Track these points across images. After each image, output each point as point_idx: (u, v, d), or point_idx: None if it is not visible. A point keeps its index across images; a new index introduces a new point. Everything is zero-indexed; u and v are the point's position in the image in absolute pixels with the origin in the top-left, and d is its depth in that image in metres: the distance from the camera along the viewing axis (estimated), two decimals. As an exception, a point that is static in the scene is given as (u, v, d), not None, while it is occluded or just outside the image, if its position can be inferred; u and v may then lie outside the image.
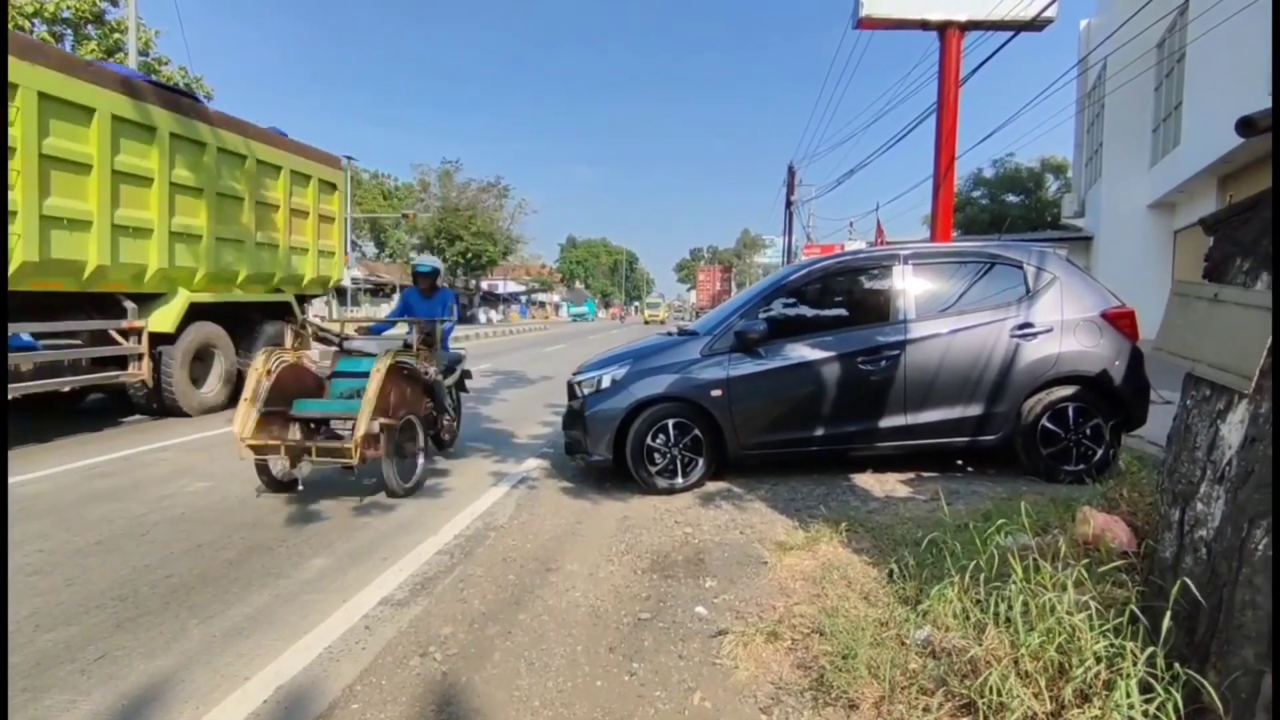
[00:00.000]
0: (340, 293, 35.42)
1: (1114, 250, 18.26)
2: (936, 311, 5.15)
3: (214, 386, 8.70)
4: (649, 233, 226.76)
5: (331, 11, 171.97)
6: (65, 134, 6.53)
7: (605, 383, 5.21)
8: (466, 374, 6.76)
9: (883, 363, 5.02)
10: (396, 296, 6.83)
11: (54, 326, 6.90)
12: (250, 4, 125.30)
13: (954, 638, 2.37)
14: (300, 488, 4.99)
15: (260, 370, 4.72)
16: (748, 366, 5.05)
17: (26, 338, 6.85)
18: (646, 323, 52.54)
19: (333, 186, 10.89)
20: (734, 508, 4.62)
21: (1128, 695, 1.86)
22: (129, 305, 7.61)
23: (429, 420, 5.70)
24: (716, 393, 5.00)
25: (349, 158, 38.80)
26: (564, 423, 5.58)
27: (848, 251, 10.29)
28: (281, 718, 2.37)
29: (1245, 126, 2.09)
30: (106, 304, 7.47)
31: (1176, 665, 1.88)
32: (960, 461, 5.60)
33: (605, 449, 5.06)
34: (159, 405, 8.13)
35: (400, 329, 5.63)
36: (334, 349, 5.80)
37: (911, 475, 5.26)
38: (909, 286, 5.20)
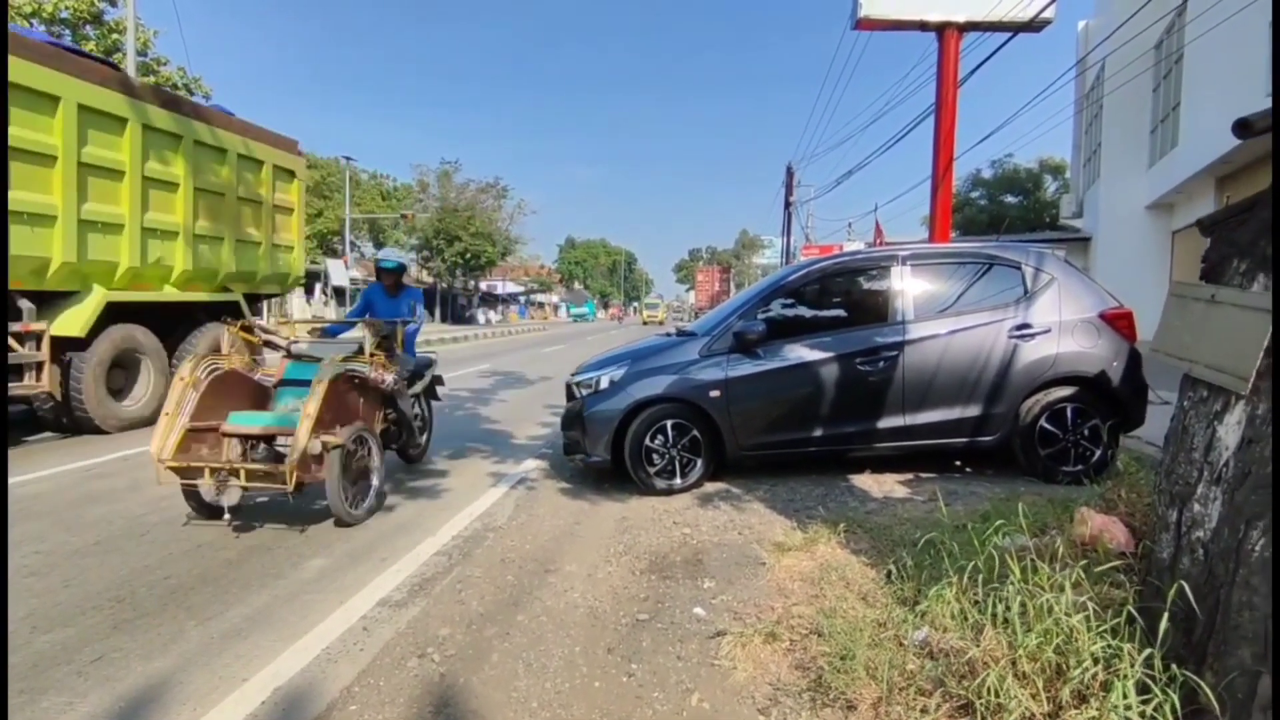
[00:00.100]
0: (339, 293, 35.44)
1: (1112, 251, 18.28)
2: (935, 312, 5.16)
3: (140, 398, 7.58)
4: (648, 233, 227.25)
5: (331, 11, 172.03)
6: None
7: (604, 384, 5.22)
8: (438, 380, 6.28)
9: (881, 363, 5.02)
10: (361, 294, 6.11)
11: None
12: (249, 4, 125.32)
13: (952, 638, 2.37)
14: (227, 517, 4.19)
15: (186, 380, 4.19)
16: (746, 367, 5.05)
17: None
18: (645, 323, 52.53)
19: (290, 174, 9.74)
20: (732, 508, 4.62)
21: (1125, 696, 1.86)
22: (25, 305, 6.56)
23: (389, 434, 5.19)
24: (715, 393, 5.00)
25: (347, 158, 38.90)
26: (562, 423, 5.58)
27: (846, 252, 10.30)
28: (279, 719, 2.37)
29: (1242, 128, 2.09)
30: None
31: (1174, 666, 1.88)
32: (959, 462, 5.60)
33: (604, 450, 5.06)
34: (69, 421, 7.02)
35: (360, 331, 5.10)
36: (282, 354, 5.06)
37: (910, 476, 5.26)
38: (907, 287, 5.20)
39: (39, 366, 6.63)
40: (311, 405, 3.99)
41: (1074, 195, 23.94)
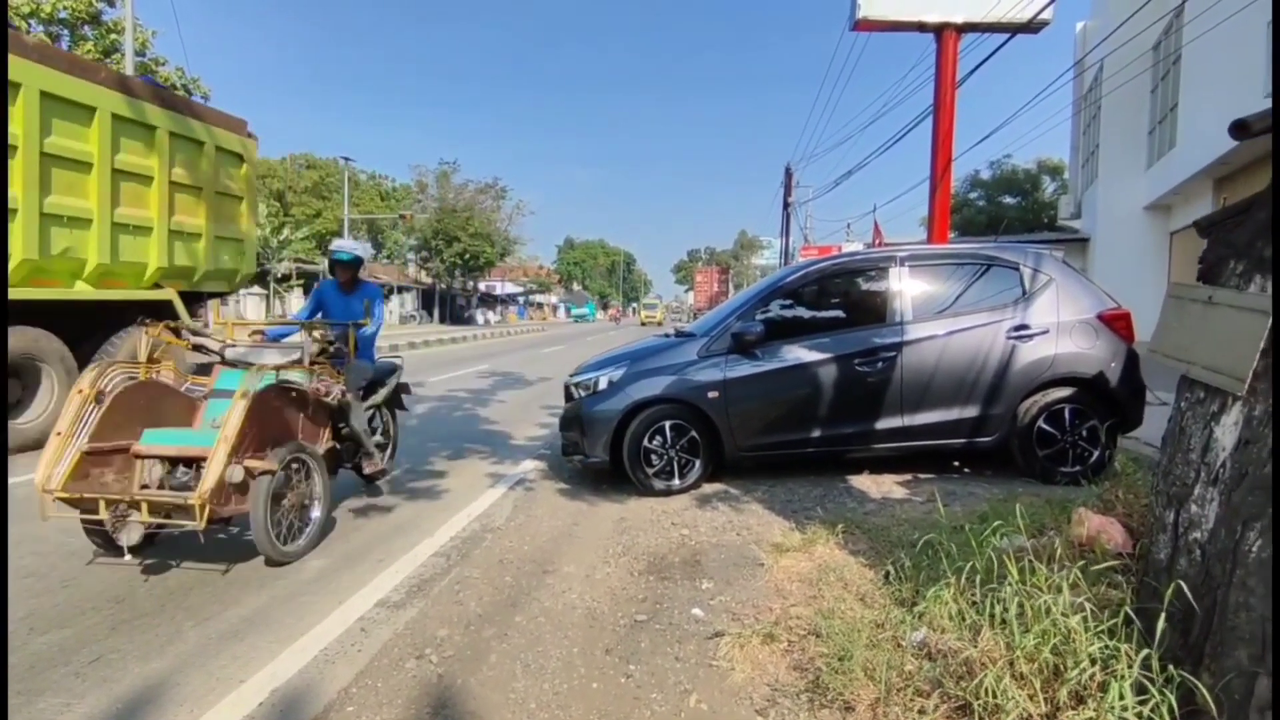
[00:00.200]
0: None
1: (1110, 252, 18.31)
2: (933, 313, 5.16)
3: (41, 412, 6.52)
4: (647, 234, 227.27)
5: (330, 11, 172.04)
6: None
7: (602, 384, 5.22)
8: (403, 388, 5.57)
9: (879, 364, 5.03)
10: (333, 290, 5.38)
11: None
12: (248, 4, 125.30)
13: (950, 639, 2.37)
14: (127, 556, 3.49)
15: (86, 393, 3.50)
16: (745, 368, 5.05)
17: None
18: (643, 324, 52.53)
19: (238, 158, 8.52)
20: (731, 509, 4.62)
21: (1122, 697, 1.86)
22: None
23: (339, 454, 4.54)
24: (713, 394, 5.00)
25: (346, 159, 38.92)
26: (561, 424, 5.58)
27: (845, 253, 10.31)
28: (277, 720, 2.36)
29: (1239, 130, 2.10)
30: None
31: (1171, 667, 1.88)
32: (957, 463, 5.60)
33: (602, 450, 5.06)
34: None
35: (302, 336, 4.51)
36: (218, 360, 4.33)
37: (908, 477, 5.26)
38: (905, 288, 5.21)
39: None
40: (230, 424, 3.41)
41: (1072, 196, 23.98)
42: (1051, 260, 5.35)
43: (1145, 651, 1.94)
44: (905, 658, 2.40)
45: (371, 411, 5.14)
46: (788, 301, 5.39)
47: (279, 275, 32.50)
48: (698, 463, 5.06)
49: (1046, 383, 5.01)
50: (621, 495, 5.01)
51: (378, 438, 5.18)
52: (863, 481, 5.20)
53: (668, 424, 5.01)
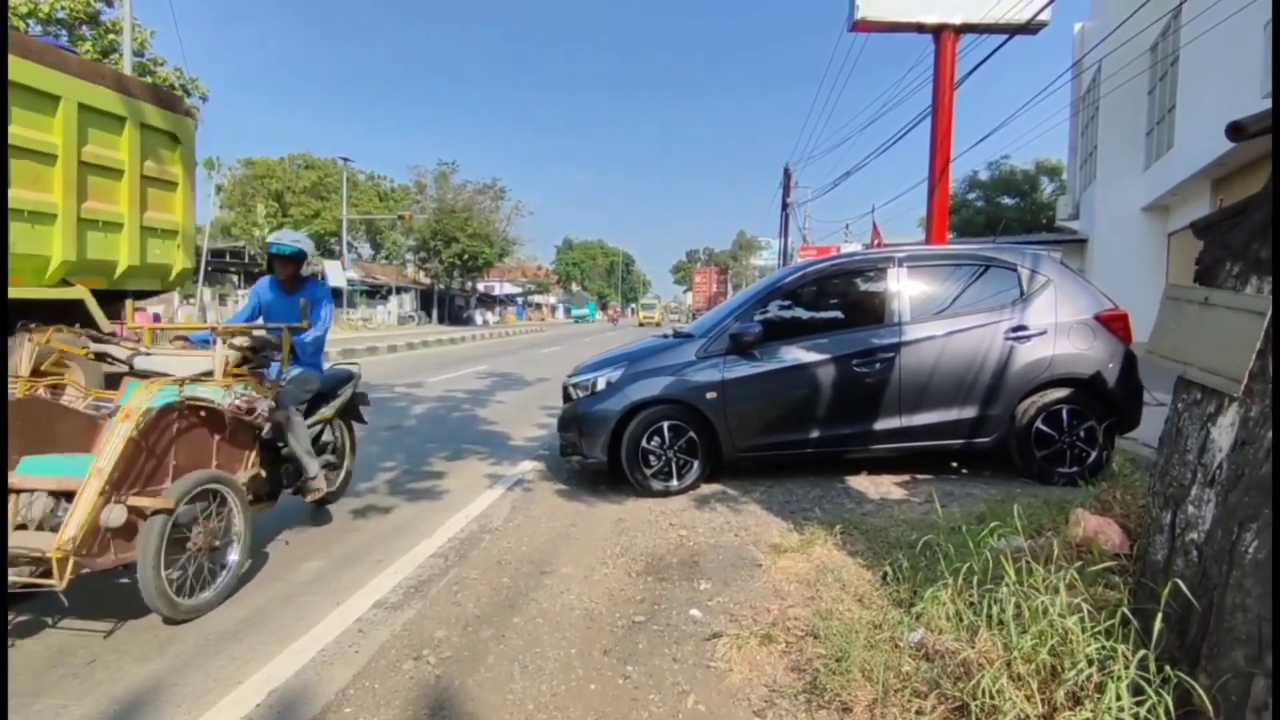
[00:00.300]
0: (336, 295, 35.40)
1: (1108, 253, 18.33)
2: (931, 314, 5.17)
3: None
4: (646, 235, 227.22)
5: (329, 12, 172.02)
6: None
7: (600, 385, 5.22)
8: (360, 399, 4.94)
9: (877, 365, 5.03)
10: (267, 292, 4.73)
11: None
12: (248, 4, 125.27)
13: (947, 640, 2.38)
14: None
15: None
16: (743, 369, 5.06)
17: None
18: (641, 324, 52.55)
19: (173, 139, 7.45)
20: (729, 510, 4.62)
21: (1119, 698, 1.86)
22: None
23: (273, 479, 3.94)
24: (712, 395, 5.01)
25: (345, 159, 38.95)
26: (559, 425, 5.58)
27: (843, 254, 10.32)
28: (274, 722, 2.36)
29: (1235, 132, 2.10)
30: None
31: (1167, 668, 1.89)
32: (955, 464, 5.60)
33: (600, 451, 5.06)
34: None
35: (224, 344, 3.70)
36: (125, 371, 3.64)
37: (906, 477, 5.27)
38: (904, 289, 5.21)
39: None
40: (106, 454, 2.86)
41: (1070, 197, 24.01)
42: (1049, 261, 5.36)
43: (1142, 652, 1.94)
44: (903, 658, 2.40)
45: (320, 428, 4.54)
46: (786, 302, 5.40)
47: (277, 276, 32.40)
48: (696, 463, 5.06)
49: (1044, 383, 5.02)
50: (620, 496, 5.01)
51: (326, 457, 4.59)
52: (861, 482, 5.20)
53: (666, 425, 5.01)
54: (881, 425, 5.07)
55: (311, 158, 46.79)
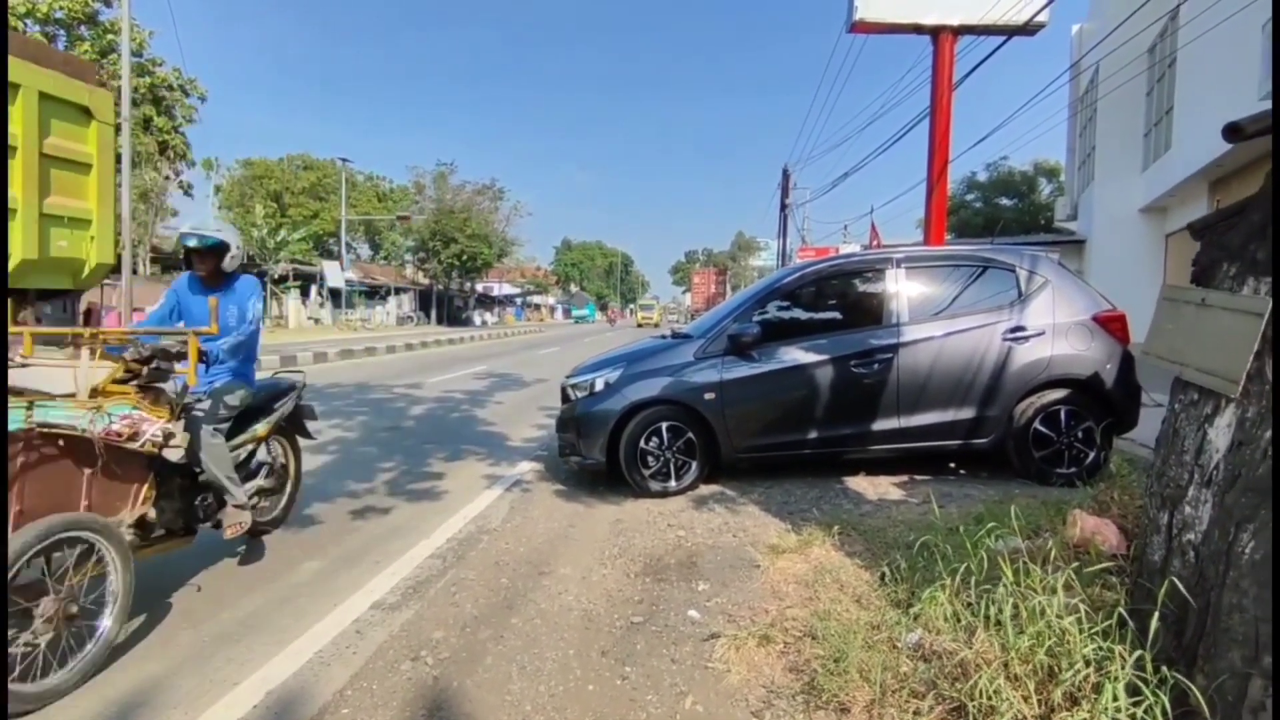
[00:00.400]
0: (335, 295, 35.39)
1: (1106, 254, 18.35)
2: (929, 315, 5.17)
3: None
4: (645, 235, 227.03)
5: (329, 13, 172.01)
6: None
7: (599, 386, 5.22)
8: (305, 412, 4.33)
9: (876, 366, 5.04)
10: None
11: None
12: (247, 5, 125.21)
13: (945, 641, 2.38)
14: None
15: None
16: (741, 369, 5.06)
17: None
18: (640, 325, 52.54)
19: (85, 113, 6.51)
20: (727, 511, 4.62)
21: (1116, 698, 1.87)
22: None
23: (172, 516, 3.27)
24: (710, 396, 5.01)
25: (344, 160, 38.93)
26: (558, 426, 5.58)
27: (842, 254, 10.32)
28: (271, 723, 2.35)
29: (1232, 133, 2.11)
30: None
31: (1164, 668, 1.89)
32: (953, 464, 5.62)
33: (599, 452, 5.06)
34: None
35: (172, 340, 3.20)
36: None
37: (904, 478, 5.27)
38: (902, 290, 5.22)
39: None
40: None
41: (1068, 198, 24.02)
42: (1047, 262, 5.36)
43: (1139, 653, 1.95)
44: (900, 659, 2.41)
45: (250, 448, 3.90)
46: (784, 303, 5.40)
47: (276, 277, 32.44)
48: (694, 464, 5.06)
49: (1042, 384, 5.03)
50: (618, 497, 5.01)
51: (259, 481, 3.96)
52: (859, 483, 5.20)
53: (664, 425, 5.01)
54: (879, 426, 5.07)
55: (310, 158, 46.80)
